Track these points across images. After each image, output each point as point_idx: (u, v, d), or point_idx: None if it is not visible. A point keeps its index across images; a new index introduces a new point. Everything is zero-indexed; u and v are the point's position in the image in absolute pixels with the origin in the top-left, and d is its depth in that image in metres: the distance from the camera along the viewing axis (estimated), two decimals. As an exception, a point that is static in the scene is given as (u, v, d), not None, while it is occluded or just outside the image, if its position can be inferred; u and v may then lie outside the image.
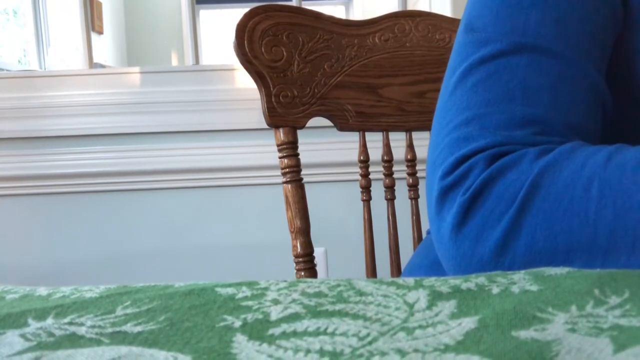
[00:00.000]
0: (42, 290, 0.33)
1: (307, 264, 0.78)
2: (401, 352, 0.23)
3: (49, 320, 0.27)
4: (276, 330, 0.25)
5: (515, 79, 0.46)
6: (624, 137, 0.48)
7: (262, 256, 1.48)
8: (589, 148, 0.42)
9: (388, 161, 0.88)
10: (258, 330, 0.25)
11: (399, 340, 0.24)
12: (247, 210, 1.48)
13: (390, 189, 0.88)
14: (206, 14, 4.82)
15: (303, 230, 0.78)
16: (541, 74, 0.47)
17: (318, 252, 1.45)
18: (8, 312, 0.29)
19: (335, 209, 1.48)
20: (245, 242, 1.48)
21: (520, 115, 0.45)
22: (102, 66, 3.35)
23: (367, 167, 0.86)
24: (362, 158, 0.86)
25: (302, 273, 0.78)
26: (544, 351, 0.22)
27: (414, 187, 0.90)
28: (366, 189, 0.86)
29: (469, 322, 0.26)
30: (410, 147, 0.90)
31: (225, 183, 1.47)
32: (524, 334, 0.24)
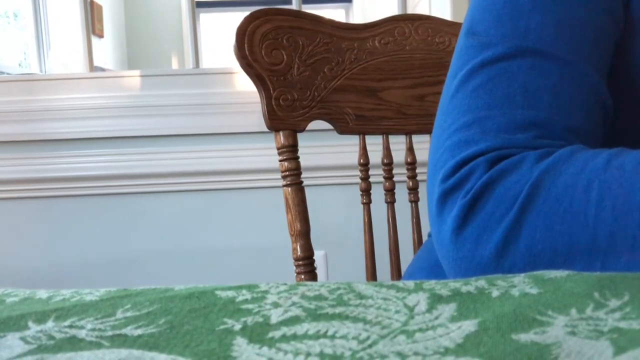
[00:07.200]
0: (43, 293, 0.33)
1: (307, 267, 0.78)
2: (401, 355, 0.23)
3: (49, 323, 0.28)
4: (276, 334, 0.25)
5: (516, 83, 0.47)
6: (625, 140, 0.48)
7: (262, 259, 1.48)
8: (589, 151, 0.42)
9: (388, 164, 0.88)
10: (258, 334, 0.25)
11: (399, 343, 0.24)
12: (247, 213, 1.48)
13: (390, 192, 0.88)
14: (206, 17, 4.83)
15: (303, 233, 0.78)
16: (542, 77, 0.47)
17: (318, 255, 1.45)
18: (8, 315, 0.29)
19: (336, 212, 1.48)
20: (245, 245, 1.48)
21: (520, 118, 0.45)
22: (103, 69, 3.36)
23: (367, 170, 0.86)
24: (362, 161, 0.86)
25: (302, 276, 0.78)
26: (544, 354, 0.22)
27: (414, 190, 0.90)
28: (366, 192, 0.86)
29: (469, 325, 0.26)
30: (410, 150, 0.90)
31: (225, 186, 1.47)
32: (524, 337, 0.24)
